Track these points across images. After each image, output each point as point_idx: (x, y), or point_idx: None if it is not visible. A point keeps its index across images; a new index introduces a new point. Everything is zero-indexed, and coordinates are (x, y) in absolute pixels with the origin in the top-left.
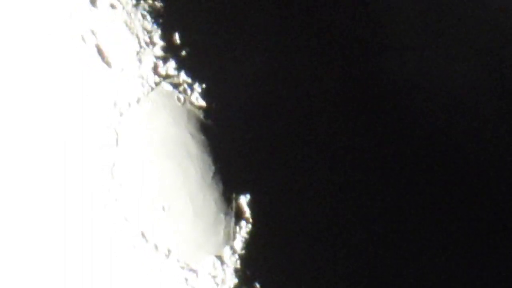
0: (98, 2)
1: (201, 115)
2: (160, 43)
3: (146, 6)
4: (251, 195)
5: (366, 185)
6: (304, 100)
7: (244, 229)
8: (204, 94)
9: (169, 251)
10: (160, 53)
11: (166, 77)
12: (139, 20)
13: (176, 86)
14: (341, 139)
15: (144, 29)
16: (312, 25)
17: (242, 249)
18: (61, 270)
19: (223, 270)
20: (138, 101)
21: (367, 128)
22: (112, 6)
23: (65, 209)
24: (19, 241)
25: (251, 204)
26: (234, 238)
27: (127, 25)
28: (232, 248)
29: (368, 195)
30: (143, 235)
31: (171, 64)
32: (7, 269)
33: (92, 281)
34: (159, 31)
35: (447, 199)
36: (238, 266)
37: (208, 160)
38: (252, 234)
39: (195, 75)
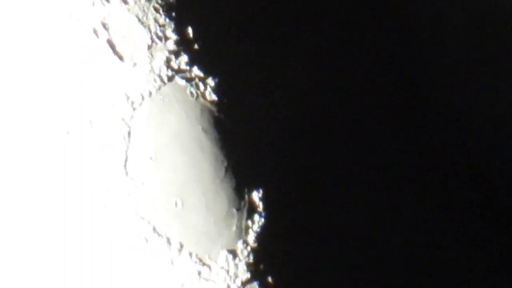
0: None
1: (214, 109)
2: (173, 37)
3: (159, 0)
4: (263, 190)
5: (380, 184)
6: (317, 93)
7: (256, 223)
8: (217, 89)
9: (181, 245)
10: (173, 47)
11: (179, 71)
12: (151, 14)
13: (189, 80)
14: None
15: (157, 23)
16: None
17: (254, 243)
18: (73, 266)
19: (236, 264)
20: (150, 95)
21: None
22: (125, 1)
23: (79, 205)
24: (29, 237)
25: (263, 199)
26: (247, 232)
27: (139, 19)
28: (245, 242)
29: (383, 192)
30: (155, 229)
31: (184, 58)
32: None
33: (105, 276)
34: (172, 25)
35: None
36: (251, 260)
37: (221, 154)
38: (264, 228)
39: (208, 69)
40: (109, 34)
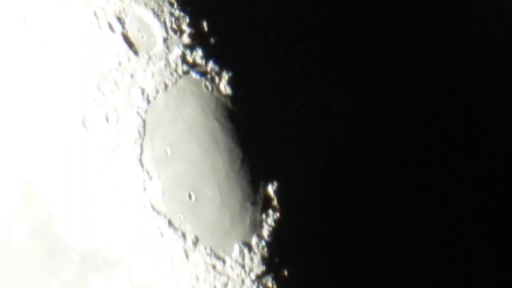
0: None
1: (229, 103)
2: (188, 30)
3: None
4: (278, 184)
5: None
6: (333, 84)
7: (271, 217)
8: (232, 82)
9: (196, 239)
10: (188, 41)
11: (194, 65)
12: (167, 8)
13: (204, 74)
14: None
15: (172, 16)
16: None
17: (269, 237)
18: (88, 260)
19: (251, 257)
20: (165, 89)
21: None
22: None
23: (93, 197)
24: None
25: (278, 192)
26: (262, 226)
27: (154, 12)
28: (259, 236)
29: (400, 186)
30: (170, 223)
31: (199, 52)
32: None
33: (120, 270)
34: (187, 19)
35: None
36: (266, 254)
37: (236, 148)
38: (279, 222)
39: (223, 63)
40: (124, 28)
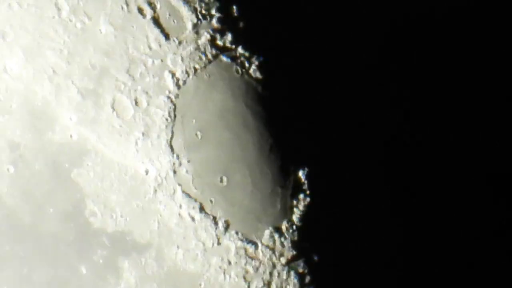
0: None
1: (259, 87)
2: (217, 15)
3: None
4: (308, 168)
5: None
6: (359, 72)
7: (302, 202)
8: (262, 66)
9: (227, 223)
10: (217, 25)
11: (224, 49)
12: None
13: (233, 58)
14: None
15: (202, 1)
16: None
17: (299, 222)
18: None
19: (281, 242)
20: (196, 73)
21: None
22: None
23: (123, 181)
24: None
25: (309, 177)
26: (292, 211)
27: None
28: (290, 220)
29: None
30: (201, 207)
31: (229, 36)
32: None
33: (152, 255)
34: (217, 4)
35: None
36: (296, 238)
37: (266, 132)
38: (309, 206)
39: (253, 47)
40: (155, 13)
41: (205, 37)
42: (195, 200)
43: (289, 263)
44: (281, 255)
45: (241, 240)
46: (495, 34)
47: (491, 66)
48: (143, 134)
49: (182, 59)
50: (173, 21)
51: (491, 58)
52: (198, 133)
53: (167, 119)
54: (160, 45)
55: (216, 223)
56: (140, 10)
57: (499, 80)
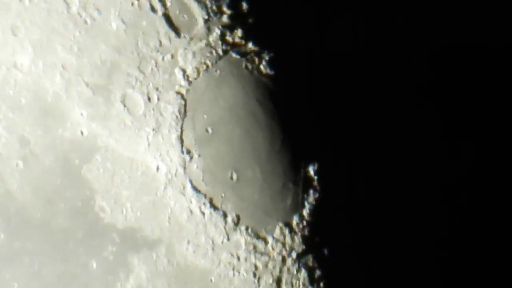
0: None
1: (269, 83)
2: (228, 11)
3: None
4: (319, 164)
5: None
6: (374, 69)
7: (312, 197)
8: (272, 62)
9: (237, 218)
10: (227, 21)
11: (234, 45)
12: None
13: (244, 54)
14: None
15: None
16: None
17: (310, 217)
18: (128, 236)
19: (292, 237)
20: (206, 69)
21: None
22: None
23: (133, 177)
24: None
25: (319, 173)
26: (303, 206)
27: None
28: (300, 215)
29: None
30: (211, 202)
31: (239, 32)
32: None
33: (162, 249)
34: (227, 0)
35: None
36: (306, 233)
37: (276, 128)
38: (320, 202)
39: (263, 43)
40: (165, 9)
41: (215, 33)
42: (206, 196)
43: (299, 257)
44: (292, 250)
45: (251, 235)
46: None
47: None
48: (153, 129)
49: (193, 55)
50: (184, 17)
51: None
52: (209, 128)
53: (177, 115)
54: (170, 41)
55: (226, 218)
56: (151, 6)
57: None
